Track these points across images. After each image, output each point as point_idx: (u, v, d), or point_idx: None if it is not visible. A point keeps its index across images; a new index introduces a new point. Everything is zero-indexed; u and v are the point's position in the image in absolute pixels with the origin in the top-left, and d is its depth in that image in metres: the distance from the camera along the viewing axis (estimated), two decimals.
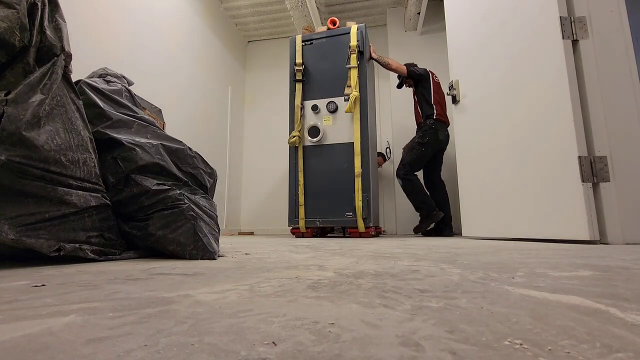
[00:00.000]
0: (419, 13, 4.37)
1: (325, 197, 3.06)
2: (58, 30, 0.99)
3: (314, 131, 3.17)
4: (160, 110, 2.80)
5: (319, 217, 3.03)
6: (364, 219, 2.89)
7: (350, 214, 2.96)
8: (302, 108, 3.23)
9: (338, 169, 3.08)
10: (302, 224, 3.08)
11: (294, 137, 3.13)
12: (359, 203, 2.91)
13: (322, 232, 3.46)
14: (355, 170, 2.97)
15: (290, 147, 3.20)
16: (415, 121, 3.59)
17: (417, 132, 3.45)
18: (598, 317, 0.34)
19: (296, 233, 3.15)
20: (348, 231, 3.05)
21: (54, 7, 1.00)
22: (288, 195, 3.13)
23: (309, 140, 3.17)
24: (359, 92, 3.08)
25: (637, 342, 0.27)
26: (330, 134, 3.15)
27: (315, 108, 3.17)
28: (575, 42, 1.88)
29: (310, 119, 3.20)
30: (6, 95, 0.82)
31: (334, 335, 0.29)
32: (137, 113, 1.25)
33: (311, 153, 3.19)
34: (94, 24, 2.64)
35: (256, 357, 0.24)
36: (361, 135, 3.03)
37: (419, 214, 3.34)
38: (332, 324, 0.32)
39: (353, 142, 3.04)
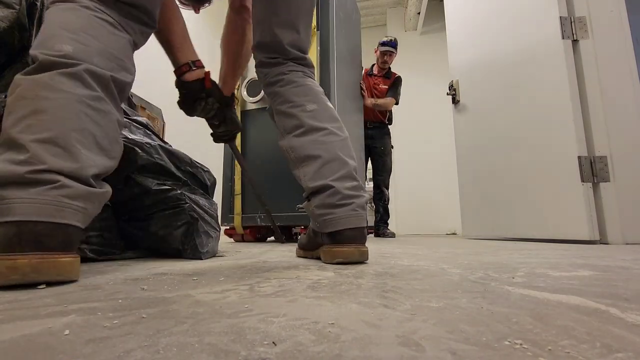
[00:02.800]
0: (419, 13, 4.38)
1: (274, 182, 2.15)
2: None
3: (254, 87, 2.17)
4: (160, 110, 2.80)
5: (262, 212, 2.11)
6: None
7: (302, 206, 2.04)
8: None
9: None
10: (237, 221, 2.15)
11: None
12: None
13: (288, 234, 2.49)
14: None
15: None
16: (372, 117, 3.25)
17: (384, 134, 3.20)
18: (598, 317, 0.34)
19: (233, 235, 2.25)
20: (300, 231, 2.14)
21: None
22: (222, 181, 2.22)
23: (249, 102, 2.24)
24: (317, 23, 2.06)
25: (637, 342, 0.27)
26: None
27: None
28: (575, 42, 1.88)
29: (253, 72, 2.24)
30: (6, 96, 0.82)
31: (334, 335, 0.29)
32: (130, 115, 1.25)
33: (253, 120, 2.24)
34: None
35: (256, 357, 0.24)
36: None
37: (385, 224, 3.18)
38: (332, 324, 0.32)
39: None
